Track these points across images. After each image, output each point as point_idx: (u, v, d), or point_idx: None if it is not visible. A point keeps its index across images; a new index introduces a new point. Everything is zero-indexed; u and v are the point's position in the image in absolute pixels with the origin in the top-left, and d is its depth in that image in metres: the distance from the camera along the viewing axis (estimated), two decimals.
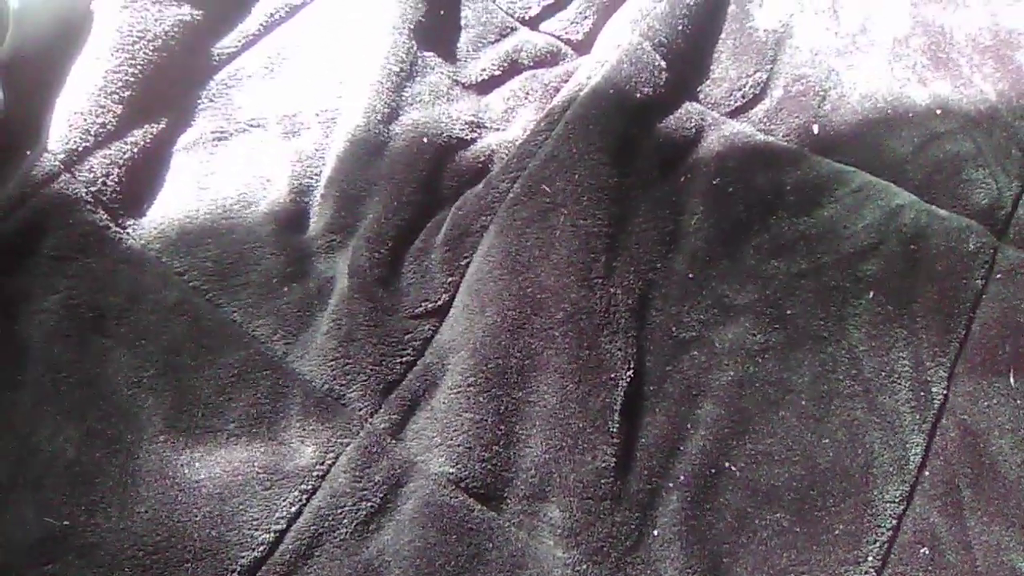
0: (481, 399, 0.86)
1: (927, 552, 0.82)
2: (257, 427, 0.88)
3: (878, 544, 0.82)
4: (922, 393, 0.88)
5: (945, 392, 0.89)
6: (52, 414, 0.88)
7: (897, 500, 0.84)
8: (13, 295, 0.94)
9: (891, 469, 0.85)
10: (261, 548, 0.82)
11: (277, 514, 0.83)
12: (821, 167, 1.00)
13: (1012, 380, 0.88)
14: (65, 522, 0.82)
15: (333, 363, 0.90)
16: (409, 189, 0.97)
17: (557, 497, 0.83)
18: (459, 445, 0.85)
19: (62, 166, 0.98)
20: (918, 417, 0.87)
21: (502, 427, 0.86)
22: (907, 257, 0.94)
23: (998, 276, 0.94)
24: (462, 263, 0.94)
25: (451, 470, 0.84)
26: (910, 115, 1.04)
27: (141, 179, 1.01)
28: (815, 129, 1.03)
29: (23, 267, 0.95)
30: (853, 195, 0.98)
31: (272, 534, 0.83)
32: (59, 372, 0.90)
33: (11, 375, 0.90)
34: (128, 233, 0.98)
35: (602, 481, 0.83)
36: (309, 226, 1.00)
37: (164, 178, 1.02)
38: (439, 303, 0.93)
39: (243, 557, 0.81)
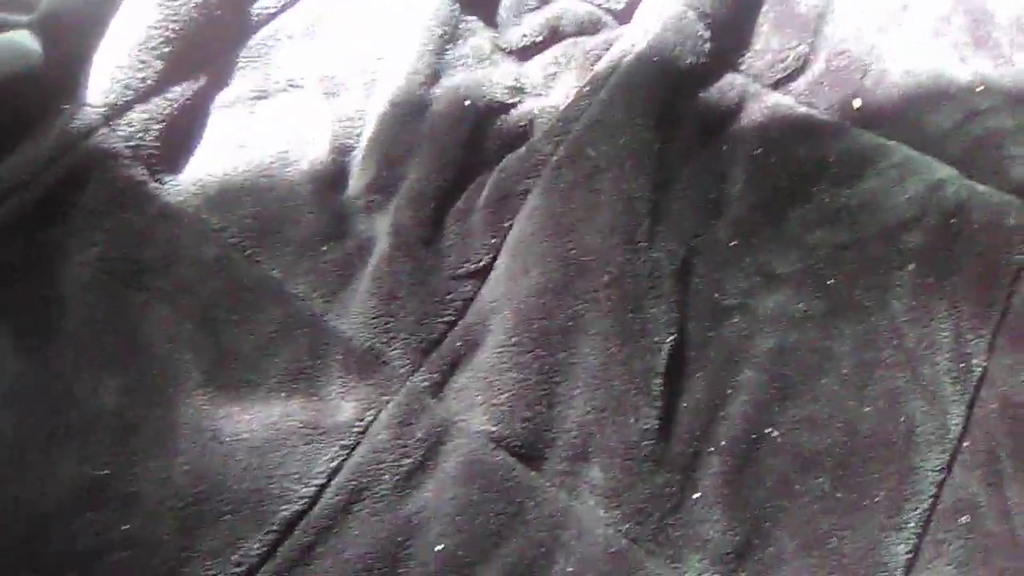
0: (524, 359, 0.86)
1: (967, 520, 0.81)
2: (296, 383, 0.88)
3: (919, 511, 0.81)
4: (962, 364, 0.88)
5: (985, 364, 0.88)
6: (91, 366, 0.88)
7: (938, 468, 0.83)
8: (51, 248, 0.94)
9: (932, 438, 0.84)
10: (301, 502, 0.82)
11: (316, 469, 0.83)
12: (863, 140, 1.00)
13: None
14: (105, 471, 0.82)
15: (374, 321, 0.90)
16: (451, 151, 0.97)
17: (599, 457, 0.83)
18: (501, 404, 0.85)
19: (102, 120, 0.97)
20: (959, 388, 0.87)
21: (545, 387, 0.85)
22: (948, 230, 0.94)
23: None
24: (505, 225, 0.94)
25: (493, 429, 0.84)
26: (951, 91, 1.03)
27: (180, 135, 1.00)
28: (856, 103, 1.03)
29: (61, 220, 0.95)
30: (895, 168, 0.98)
31: (312, 488, 0.82)
32: (97, 325, 0.90)
33: (50, 326, 0.90)
34: (166, 189, 0.98)
35: (644, 443, 0.83)
36: (349, 186, 0.99)
37: (203, 135, 1.02)
38: (481, 264, 0.93)
39: (283, 510, 0.81)
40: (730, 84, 1.03)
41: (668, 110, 0.98)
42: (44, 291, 0.92)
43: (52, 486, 0.81)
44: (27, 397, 0.86)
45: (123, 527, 0.80)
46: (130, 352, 0.89)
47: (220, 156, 1.00)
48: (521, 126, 1.01)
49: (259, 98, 1.04)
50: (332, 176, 0.99)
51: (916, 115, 1.02)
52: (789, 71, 1.05)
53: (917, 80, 1.04)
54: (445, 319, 0.91)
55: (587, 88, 0.99)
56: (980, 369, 0.88)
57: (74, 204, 0.96)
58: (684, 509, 0.82)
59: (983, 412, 0.87)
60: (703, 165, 0.98)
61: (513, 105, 1.02)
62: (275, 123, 1.02)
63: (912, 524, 0.81)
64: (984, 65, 1.06)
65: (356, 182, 0.98)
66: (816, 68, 1.06)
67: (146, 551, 0.79)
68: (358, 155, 1.00)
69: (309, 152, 1.00)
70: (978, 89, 1.04)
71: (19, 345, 0.89)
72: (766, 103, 1.02)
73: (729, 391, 0.87)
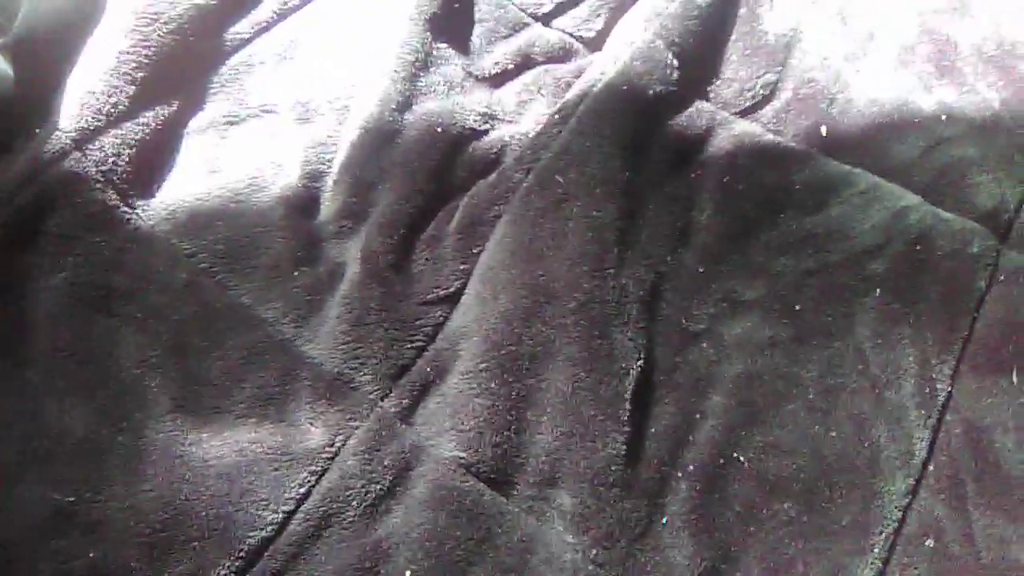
0: (493, 385, 0.86)
1: (932, 544, 0.82)
2: (266, 409, 0.88)
3: (884, 535, 0.82)
4: (927, 390, 0.89)
5: (949, 389, 0.90)
6: (59, 392, 0.87)
7: (903, 493, 0.84)
8: (20, 272, 0.94)
9: (897, 463, 0.85)
10: (269, 528, 0.81)
11: (286, 495, 0.83)
12: (829, 168, 1.02)
13: (1014, 378, 0.90)
14: (71, 498, 0.82)
15: (344, 347, 0.90)
16: (422, 177, 0.98)
17: (567, 483, 0.83)
18: (470, 430, 0.85)
19: (73, 144, 0.97)
20: (923, 413, 0.88)
21: (513, 413, 0.86)
22: (913, 257, 0.95)
23: (1001, 278, 0.95)
24: (474, 251, 0.94)
25: (462, 454, 0.84)
26: (916, 120, 1.05)
27: (152, 160, 1.01)
28: (823, 131, 1.05)
29: (31, 244, 0.95)
30: (860, 196, 1.00)
31: (280, 514, 0.82)
32: (65, 350, 0.90)
33: (18, 351, 0.90)
34: (137, 214, 0.98)
35: (612, 468, 0.83)
36: (320, 212, 1.00)
37: (175, 160, 1.02)
38: (451, 290, 0.93)
39: (251, 537, 0.81)
40: (698, 112, 1.05)
41: (637, 138, 0.99)
42: (12, 316, 0.92)
43: (17, 513, 0.80)
44: None
45: (89, 555, 0.79)
46: (98, 377, 0.88)
47: (192, 181, 1.00)
48: (492, 153, 1.02)
49: (231, 123, 1.04)
50: (303, 202, 0.99)
51: (882, 143, 1.04)
52: (757, 99, 1.07)
53: (882, 109, 1.06)
54: (415, 344, 0.91)
55: (557, 116, 1.00)
56: (944, 394, 0.90)
57: (44, 228, 0.95)
58: (652, 534, 0.82)
59: (947, 437, 0.88)
60: (671, 193, 0.99)
61: (484, 132, 1.03)
62: (247, 148, 1.02)
63: (877, 548, 0.82)
64: (948, 94, 1.08)
65: (327, 208, 0.99)
66: (783, 96, 1.07)
67: None
68: (329, 181, 1.00)
69: (281, 178, 1.01)
70: (943, 118, 1.05)
71: None
72: (734, 131, 1.04)
73: (697, 416, 0.88)
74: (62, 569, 0.78)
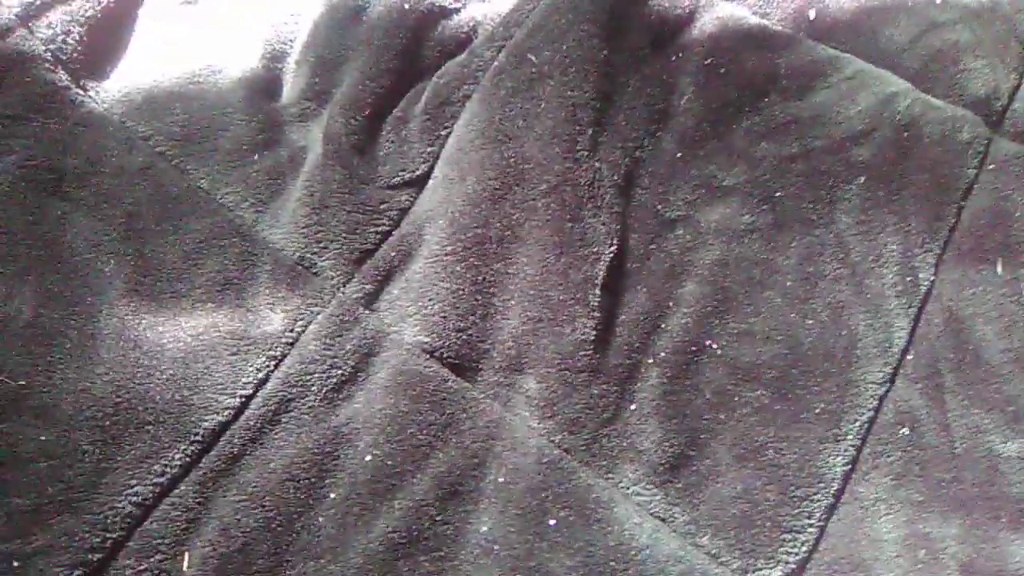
0: (458, 268, 0.83)
1: (907, 432, 0.80)
2: (224, 294, 0.85)
3: (858, 423, 0.80)
4: (909, 278, 0.86)
5: (932, 278, 0.87)
6: (7, 275, 0.84)
7: (879, 381, 0.82)
8: None
9: (875, 351, 0.83)
10: (226, 412, 0.79)
11: (244, 379, 0.80)
12: (816, 52, 0.97)
13: (999, 269, 0.87)
14: (21, 382, 0.79)
15: (305, 231, 0.86)
16: (388, 56, 0.93)
17: (534, 368, 0.81)
18: (434, 315, 0.82)
19: (18, 20, 0.92)
20: (904, 301, 0.85)
21: (479, 297, 0.83)
22: (899, 144, 0.92)
23: (991, 167, 0.92)
24: (442, 132, 0.90)
25: (425, 339, 0.82)
26: (908, 4, 1.00)
27: (104, 40, 0.96)
28: (811, 14, 1.00)
29: None
30: (847, 81, 0.95)
31: (238, 399, 0.80)
32: (15, 233, 0.86)
33: None
34: (90, 96, 0.93)
35: (580, 353, 0.81)
36: (282, 93, 0.95)
37: (128, 41, 0.98)
38: (417, 173, 0.89)
39: (207, 421, 0.78)
40: None
41: (616, 18, 0.95)
42: None
43: None
44: None
45: (40, 438, 0.77)
46: (49, 261, 0.85)
47: (147, 63, 0.96)
48: (463, 32, 0.97)
49: (188, 2, 0.99)
50: (264, 83, 0.95)
51: (872, 28, 0.99)
52: None
53: None
54: (379, 229, 0.88)
55: None
56: (927, 283, 0.87)
57: None
58: (620, 420, 0.80)
59: (927, 326, 0.86)
60: (651, 75, 0.94)
61: (455, 10, 0.98)
62: (205, 29, 0.98)
63: (851, 436, 0.80)
64: None
65: (289, 89, 0.95)
66: None
67: (64, 462, 0.76)
68: (291, 61, 0.95)
69: (241, 59, 0.96)
70: (937, 2, 1.01)
71: None
72: (718, 13, 0.99)
73: (670, 303, 0.85)
74: (12, 452, 0.76)
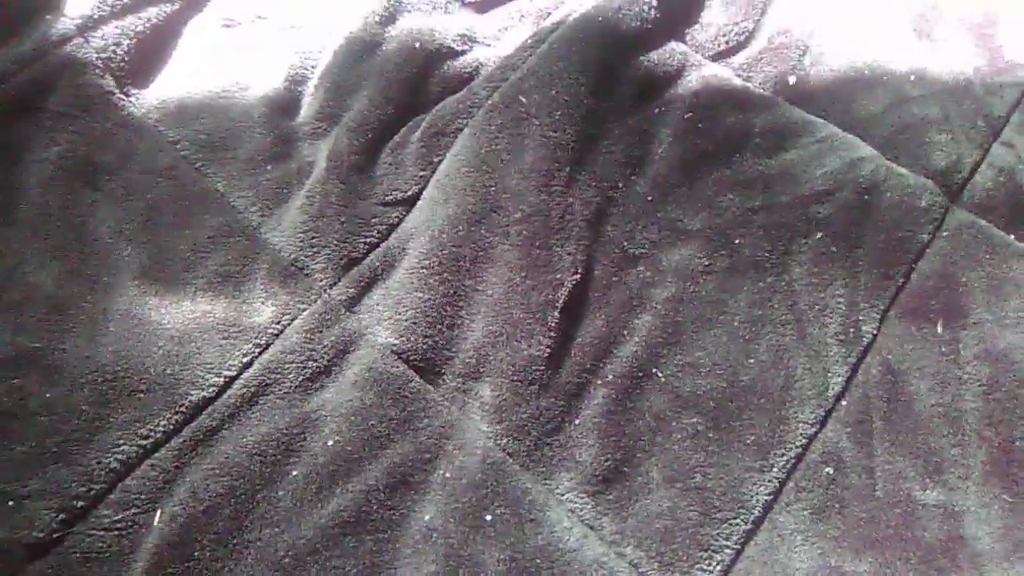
0: (432, 281, 0.91)
1: (830, 472, 0.86)
2: (224, 285, 0.94)
3: (785, 458, 0.86)
4: (852, 330, 0.92)
5: (875, 332, 0.92)
6: (38, 252, 0.94)
7: (810, 422, 0.88)
8: (17, 142, 1.01)
9: (810, 393, 0.89)
10: (211, 389, 0.88)
11: (230, 362, 0.89)
12: (791, 115, 1.04)
13: (940, 328, 0.92)
14: (36, 344, 0.89)
15: (302, 236, 0.96)
16: (396, 87, 1.03)
17: (490, 377, 0.88)
18: (406, 320, 0.90)
19: (77, 30, 1.04)
20: (844, 350, 0.91)
21: (448, 308, 0.91)
22: (860, 205, 0.98)
23: (945, 233, 0.97)
24: (435, 159, 0.99)
25: (395, 342, 0.90)
26: (885, 78, 1.07)
27: (149, 52, 1.07)
28: (792, 80, 1.07)
29: (30, 118, 1.02)
30: (817, 144, 1.02)
31: (223, 379, 0.88)
32: (49, 216, 0.97)
33: (6, 212, 0.97)
34: (131, 100, 1.04)
35: (534, 367, 0.88)
36: (299, 113, 1.05)
37: (171, 55, 1.09)
38: (409, 194, 0.98)
39: (192, 395, 0.87)
40: (672, 52, 1.08)
41: (606, 70, 1.03)
42: (5, 181, 0.99)
43: None
44: None
45: (45, 394, 0.86)
46: (75, 243, 0.96)
47: (184, 75, 1.07)
48: (467, 72, 1.06)
49: (227, 26, 1.10)
50: (285, 103, 1.05)
51: (847, 97, 1.07)
52: (731, 45, 1.10)
53: (853, 64, 1.08)
54: (369, 240, 0.97)
55: (530, 40, 1.05)
56: (869, 336, 0.93)
57: (44, 105, 1.03)
58: (563, 433, 0.87)
59: (865, 375, 0.91)
60: (633, 124, 1.03)
61: (462, 52, 1.07)
62: (239, 51, 1.08)
63: (776, 469, 0.86)
64: (922, 58, 1.09)
65: (306, 110, 1.05)
66: (757, 44, 1.10)
67: (64, 417, 0.85)
68: (311, 85, 1.06)
69: (267, 79, 1.07)
70: (912, 78, 1.07)
71: None
72: (703, 73, 1.07)
73: (624, 332, 0.92)
74: (20, 403, 0.85)
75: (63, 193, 0.98)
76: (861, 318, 0.93)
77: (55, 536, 0.80)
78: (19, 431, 0.84)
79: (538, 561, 0.81)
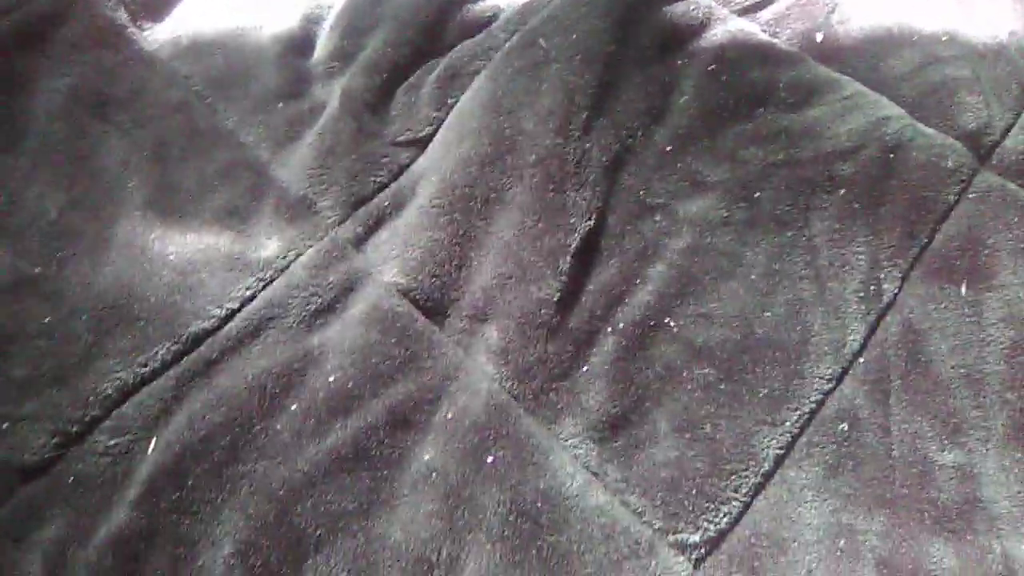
0: (441, 220, 0.89)
1: (845, 429, 0.83)
2: (230, 219, 0.92)
3: (799, 413, 0.83)
4: (872, 287, 0.89)
5: (896, 291, 0.90)
6: (42, 180, 0.93)
7: (826, 378, 0.85)
8: (28, 72, 1.00)
9: (827, 349, 0.86)
10: (212, 321, 0.86)
11: (232, 294, 0.88)
12: (817, 72, 1.02)
13: (963, 290, 0.89)
14: (37, 269, 0.87)
15: (311, 173, 0.94)
16: (413, 29, 1.01)
17: (497, 319, 0.86)
18: (413, 259, 0.88)
19: None
20: (864, 307, 0.88)
21: (456, 249, 0.89)
22: (884, 164, 0.95)
23: (971, 196, 0.94)
24: (449, 101, 0.97)
25: (402, 281, 0.88)
26: (915, 38, 1.04)
27: None
28: (819, 37, 1.05)
29: (41, 49, 1.01)
30: (843, 101, 0.99)
31: (224, 311, 0.87)
32: (56, 145, 0.96)
33: (13, 141, 0.96)
34: (144, 35, 1.03)
35: (542, 311, 0.86)
36: (314, 53, 1.03)
37: None
38: (422, 135, 0.96)
39: (193, 326, 0.86)
40: (697, 5, 1.06)
41: (629, 18, 1.01)
42: (14, 109, 0.98)
43: None
44: None
45: (45, 319, 0.85)
46: (81, 172, 0.94)
47: (199, 11, 1.05)
48: (486, 17, 1.04)
49: None
50: (299, 42, 1.03)
51: (875, 56, 1.04)
52: (758, 0, 1.07)
53: (883, 23, 1.06)
54: (378, 180, 0.95)
55: None
56: (890, 295, 0.90)
57: (56, 36, 1.02)
58: (570, 378, 0.85)
59: (884, 334, 0.88)
60: (655, 74, 1.00)
61: None
62: None
63: (789, 423, 0.83)
64: (956, 19, 1.06)
65: (320, 50, 1.03)
66: (784, 1, 1.07)
67: (62, 342, 0.84)
68: (326, 25, 1.04)
69: (282, 19, 1.05)
70: (943, 38, 1.04)
71: None
72: (729, 27, 1.05)
73: (637, 280, 0.90)
74: (19, 327, 0.84)
75: (71, 124, 0.97)
76: (882, 276, 0.90)
77: (49, 459, 0.79)
78: (17, 354, 0.83)
79: (539, 505, 0.79)
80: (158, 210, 0.92)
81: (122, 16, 1.03)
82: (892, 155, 0.96)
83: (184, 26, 1.04)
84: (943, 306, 0.89)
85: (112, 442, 0.80)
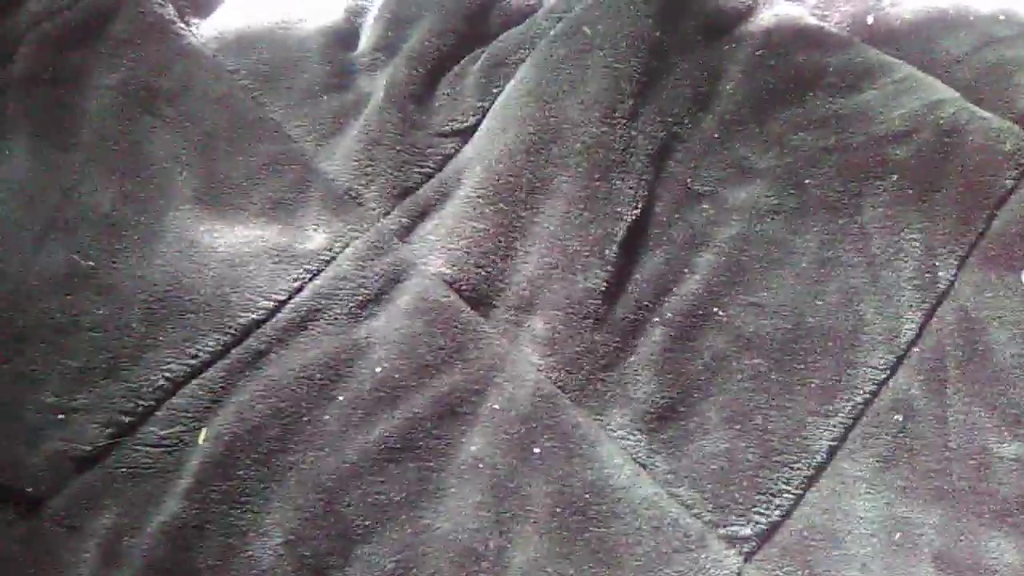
0: (486, 210, 0.89)
1: (900, 420, 0.81)
2: (277, 212, 0.93)
3: (852, 403, 0.82)
4: (927, 275, 0.87)
5: (952, 278, 0.87)
6: (95, 174, 0.95)
7: (880, 367, 0.83)
8: (79, 69, 1.02)
9: (880, 338, 0.84)
10: (261, 312, 0.87)
11: (280, 286, 0.88)
12: (868, 55, 0.99)
13: (1022, 277, 0.87)
14: (90, 263, 0.89)
15: (356, 164, 0.94)
16: (456, 19, 1.00)
17: (543, 310, 0.86)
18: (459, 250, 0.88)
19: None
20: (918, 296, 0.86)
21: (502, 239, 0.88)
22: (939, 148, 0.93)
23: None
24: (494, 90, 0.97)
25: (447, 271, 0.88)
26: (971, 18, 1.02)
27: None
28: (870, 20, 1.02)
29: (92, 45, 1.02)
30: (894, 84, 0.97)
31: (272, 303, 0.87)
32: (108, 140, 0.97)
33: (66, 137, 0.97)
34: (191, 30, 1.04)
35: (589, 301, 0.85)
36: (358, 45, 1.04)
37: None
38: (466, 124, 0.96)
39: (242, 317, 0.86)
40: None
41: (674, 3, 1.00)
42: (66, 104, 0.99)
43: (40, 267, 0.88)
44: (33, 191, 0.93)
45: (98, 311, 0.86)
46: (133, 166, 0.95)
47: (244, 6, 1.06)
48: (528, 5, 1.04)
49: None
50: (343, 34, 1.04)
51: (929, 38, 1.01)
52: None
53: (936, 5, 1.03)
54: (423, 171, 0.95)
55: None
56: (946, 282, 0.88)
57: (106, 32, 1.03)
58: (617, 369, 0.84)
59: (940, 323, 0.86)
60: (701, 59, 0.99)
61: None
62: None
63: (842, 414, 0.81)
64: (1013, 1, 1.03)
65: (364, 42, 1.03)
66: None
67: (114, 334, 0.85)
68: (370, 17, 1.04)
69: (326, 12, 1.05)
70: (1000, 18, 1.02)
71: (34, 146, 0.96)
72: (777, 11, 1.03)
73: (684, 270, 0.89)
74: (73, 320, 0.85)
75: (122, 119, 0.98)
76: (938, 263, 0.88)
77: (102, 449, 0.80)
78: (71, 346, 0.84)
79: (587, 496, 0.78)
80: (207, 203, 0.93)
81: (169, 12, 1.04)
82: (947, 139, 0.93)
83: (230, 21, 1.05)
84: (1002, 294, 0.87)
85: (164, 433, 0.81)
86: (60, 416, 0.81)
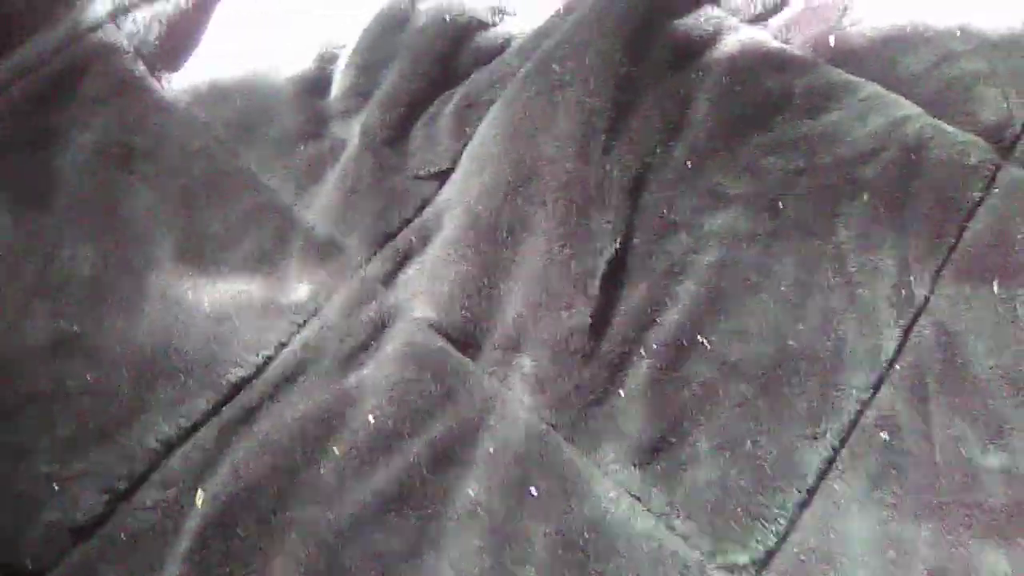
0: (468, 253, 0.90)
1: (886, 438, 0.83)
2: (259, 264, 0.93)
3: (839, 424, 0.83)
4: (903, 291, 0.89)
5: (927, 294, 0.89)
6: (73, 237, 0.95)
7: (863, 387, 0.85)
8: (52, 128, 1.02)
9: (862, 357, 0.86)
10: (250, 368, 0.87)
11: (268, 340, 0.89)
12: (832, 76, 1.02)
13: (996, 288, 0.89)
14: (75, 328, 0.89)
15: (335, 213, 0.95)
16: (426, 61, 1.01)
17: (530, 349, 0.87)
18: (443, 294, 0.89)
19: (108, 17, 1.05)
20: (896, 313, 0.88)
21: (485, 280, 0.89)
22: (906, 164, 0.95)
23: (996, 191, 0.94)
24: (468, 131, 0.98)
25: (433, 315, 0.88)
26: (928, 35, 1.04)
27: (180, 36, 1.07)
28: (831, 41, 1.04)
29: (65, 105, 1.02)
30: (860, 104, 0.99)
31: (261, 357, 0.88)
32: (86, 201, 0.97)
33: (42, 200, 0.97)
34: (162, 84, 1.04)
35: (575, 338, 0.86)
36: (331, 92, 1.04)
37: (201, 38, 1.08)
38: (442, 167, 0.97)
39: (231, 374, 0.86)
40: (707, 16, 1.06)
41: (640, 35, 1.01)
42: (42, 167, 0.99)
43: (25, 335, 0.88)
44: (15, 257, 0.93)
45: (86, 376, 0.86)
46: (111, 226, 0.95)
47: (215, 59, 1.06)
48: (498, 44, 1.05)
49: (257, 9, 1.09)
50: (315, 82, 1.04)
51: (890, 55, 1.03)
52: (768, 8, 1.07)
53: (895, 23, 1.05)
54: (403, 215, 0.95)
55: (564, 8, 1.03)
56: (922, 298, 0.89)
57: (76, 91, 1.03)
58: (607, 403, 0.85)
59: (918, 338, 0.88)
60: (669, 89, 1.00)
61: (493, 24, 1.06)
62: (270, 32, 1.08)
63: (830, 436, 0.83)
64: (968, 14, 1.06)
65: (336, 88, 1.04)
66: (796, 5, 1.07)
67: (104, 399, 0.85)
68: (341, 63, 1.05)
69: (298, 59, 1.06)
70: (957, 33, 1.04)
71: (14, 211, 0.96)
72: (740, 36, 1.04)
73: (667, 300, 0.90)
74: (61, 387, 0.85)
75: (98, 178, 0.98)
76: (913, 279, 0.90)
77: (99, 517, 0.80)
78: (61, 414, 0.84)
79: (585, 534, 0.79)
80: (188, 259, 0.93)
81: (140, 68, 1.04)
82: (913, 155, 0.96)
83: (201, 73, 1.05)
84: (975, 306, 0.89)
85: (161, 496, 0.81)
86: (55, 486, 0.81)
